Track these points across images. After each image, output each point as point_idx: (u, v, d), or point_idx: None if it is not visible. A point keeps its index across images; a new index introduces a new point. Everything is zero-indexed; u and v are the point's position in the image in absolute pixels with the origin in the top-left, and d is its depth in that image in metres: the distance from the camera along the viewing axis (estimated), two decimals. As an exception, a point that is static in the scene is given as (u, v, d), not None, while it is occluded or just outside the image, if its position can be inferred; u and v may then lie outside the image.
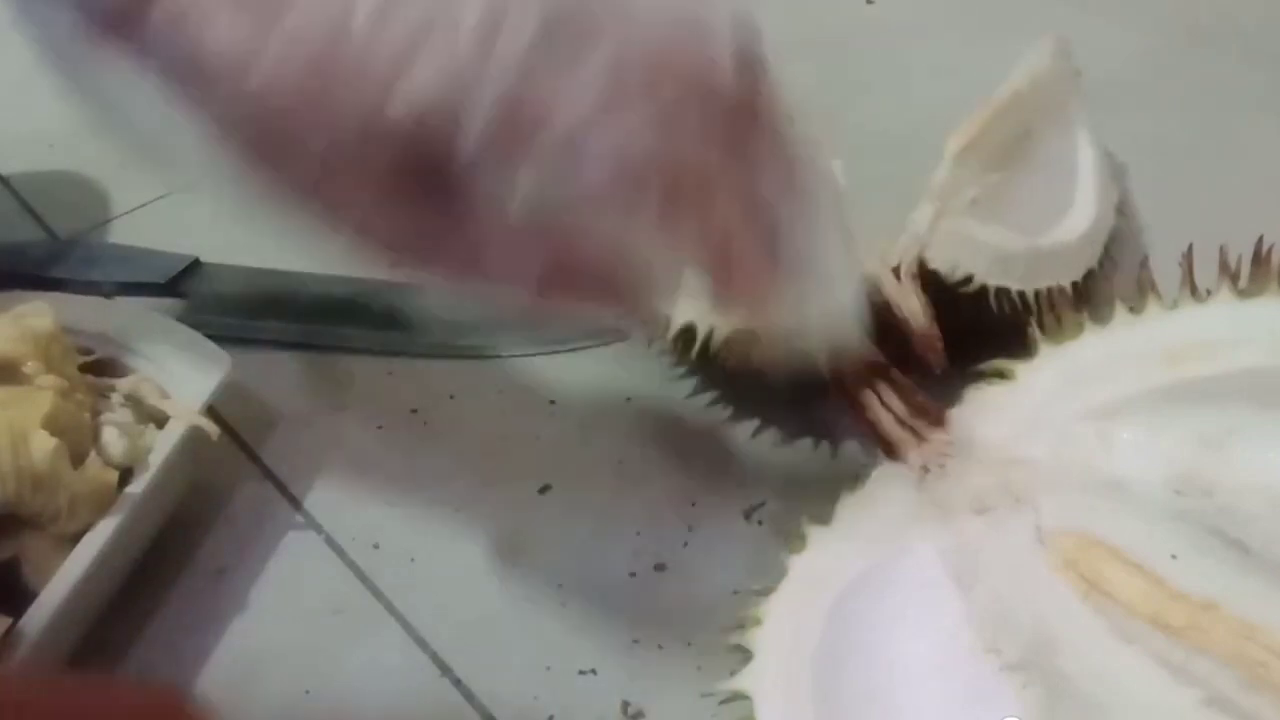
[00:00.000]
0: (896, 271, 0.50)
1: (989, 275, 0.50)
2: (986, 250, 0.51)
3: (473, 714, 0.45)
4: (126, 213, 0.68)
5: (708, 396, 0.55)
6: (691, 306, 0.53)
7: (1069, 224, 0.56)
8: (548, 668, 0.46)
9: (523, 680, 0.46)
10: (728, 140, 0.36)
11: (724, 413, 0.54)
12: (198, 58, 0.34)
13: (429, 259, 0.37)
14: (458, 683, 0.46)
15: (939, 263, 0.50)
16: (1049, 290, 0.51)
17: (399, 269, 0.38)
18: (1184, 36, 0.74)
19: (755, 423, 0.54)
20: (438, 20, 0.34)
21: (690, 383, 0.56)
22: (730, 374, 0.53)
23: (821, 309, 0.40)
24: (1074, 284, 0.53)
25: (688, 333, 0.53)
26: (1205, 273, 0.59)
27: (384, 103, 0.33)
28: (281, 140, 0.35)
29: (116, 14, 0.34)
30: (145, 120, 0.36)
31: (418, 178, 0.35)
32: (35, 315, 0.49)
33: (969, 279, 0.50)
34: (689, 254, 0.37)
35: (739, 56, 0.36)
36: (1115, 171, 0.62)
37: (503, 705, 0.45)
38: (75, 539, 0.46)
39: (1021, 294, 0.51)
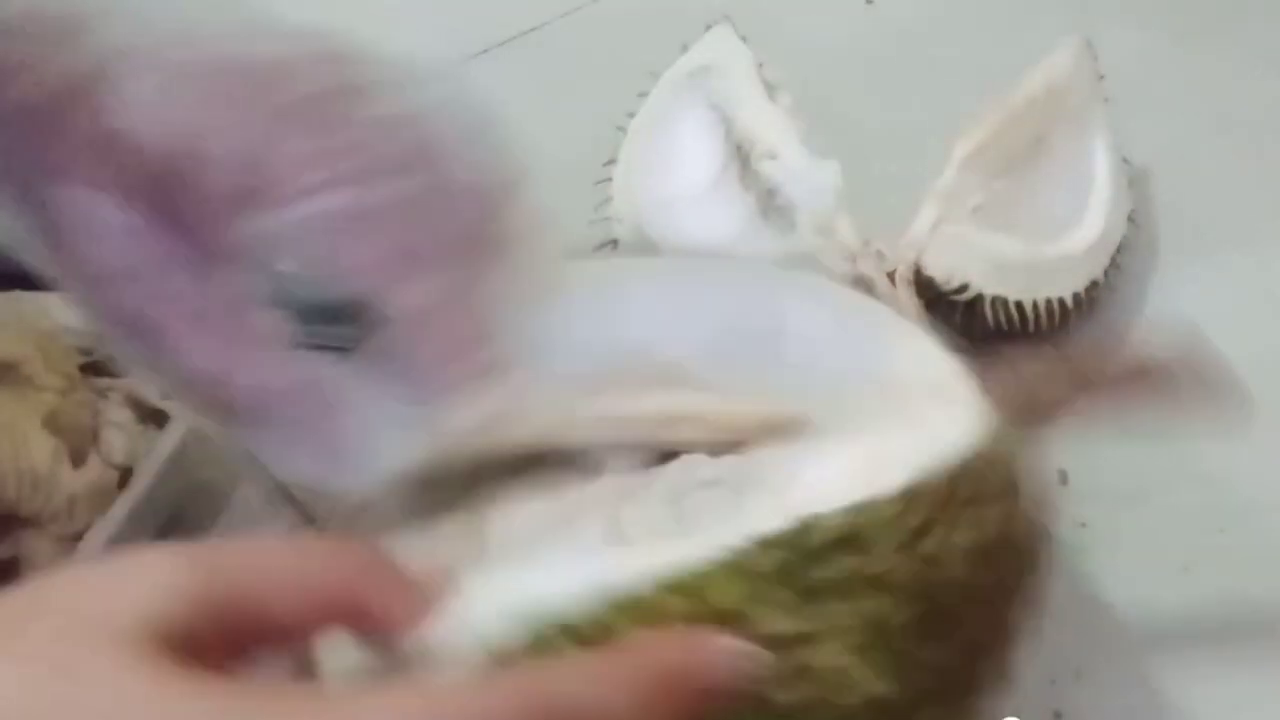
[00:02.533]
0: (892, 276, 0.51)
1: (986, 284, 0.51)
2: (984, 258, 0.52)
3: None
4: (128, 212, 0.70)
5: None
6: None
7: (1077, 234, 0.57)
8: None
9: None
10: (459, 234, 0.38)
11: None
12: None
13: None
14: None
15: (936, 269, 0.51)
16: (1048, 300, 0.53)
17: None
18: (1200, 39, 0.75)
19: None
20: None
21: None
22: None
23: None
24: (1075, 294, 0.54)
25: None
26: (1213, 275, 0.60)
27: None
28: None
29: None
30: None
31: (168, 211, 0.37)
32: (35, 315, 0.51)
33: (964, 287, 0.51)
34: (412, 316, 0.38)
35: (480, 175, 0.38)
36: (1132, 179, 0.62)
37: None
38: (75, 539, 0.47)
39: (1019, 304, 0.52)
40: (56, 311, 0.52)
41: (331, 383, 0.39)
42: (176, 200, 0.37)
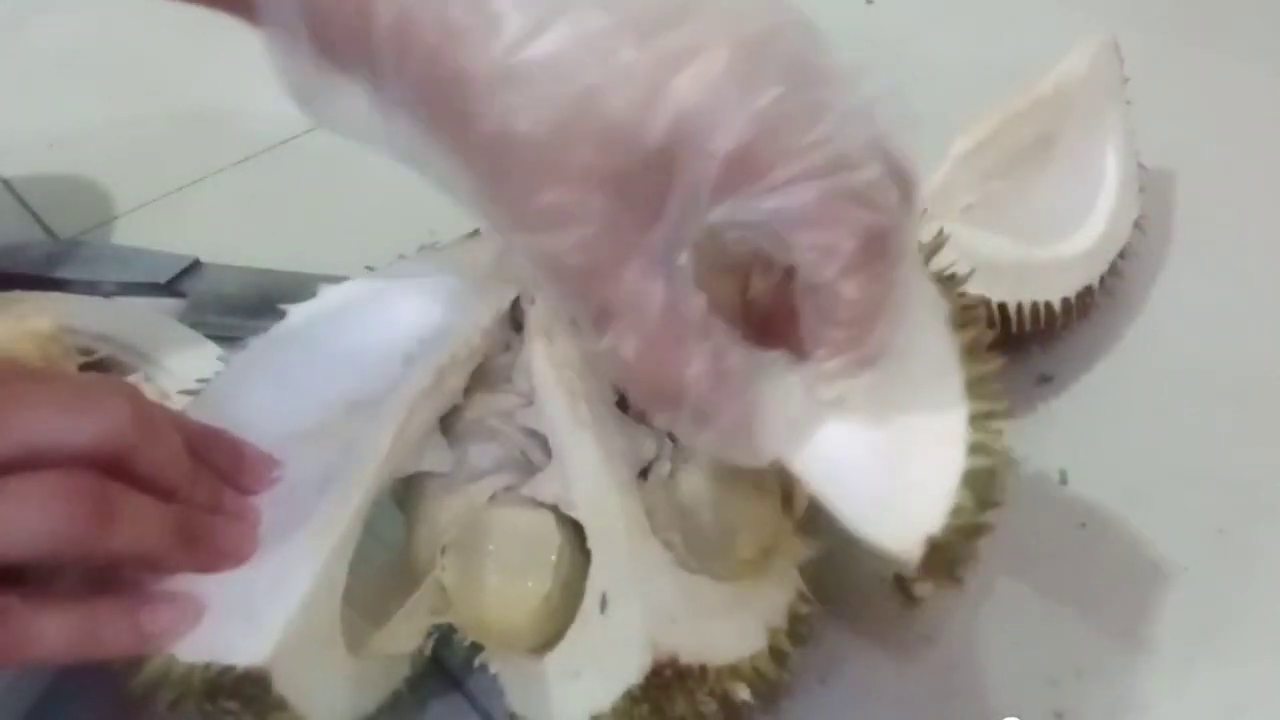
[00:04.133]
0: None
1: (971, 283, 0.51)
2: (971, 258, 0.51)
3: None
4: (127, 213, 0.71)
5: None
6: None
7: (1074, 238, 0.57)
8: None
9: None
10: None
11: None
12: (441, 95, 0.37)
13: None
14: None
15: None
16: (1034, 304, 0.53)
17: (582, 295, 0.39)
18: (1208, 42, 0.75)
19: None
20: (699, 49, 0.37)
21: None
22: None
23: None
24: (1064, 299, 0.54)
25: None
26: (1219, 281, 0.61)
27: (642, 113, 0.36)
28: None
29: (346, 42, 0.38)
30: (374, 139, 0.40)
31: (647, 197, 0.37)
32: (35, 315, 0.52)
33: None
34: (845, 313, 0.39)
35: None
36: (1144, 185, 0.62)
37: None
38: (74, 537, 0.47)
39: (1002, 305, 0.52)
40: (56, 311, 0.52)
41: (744, 370, 0.40)
42: (649, 188, 0.37)
